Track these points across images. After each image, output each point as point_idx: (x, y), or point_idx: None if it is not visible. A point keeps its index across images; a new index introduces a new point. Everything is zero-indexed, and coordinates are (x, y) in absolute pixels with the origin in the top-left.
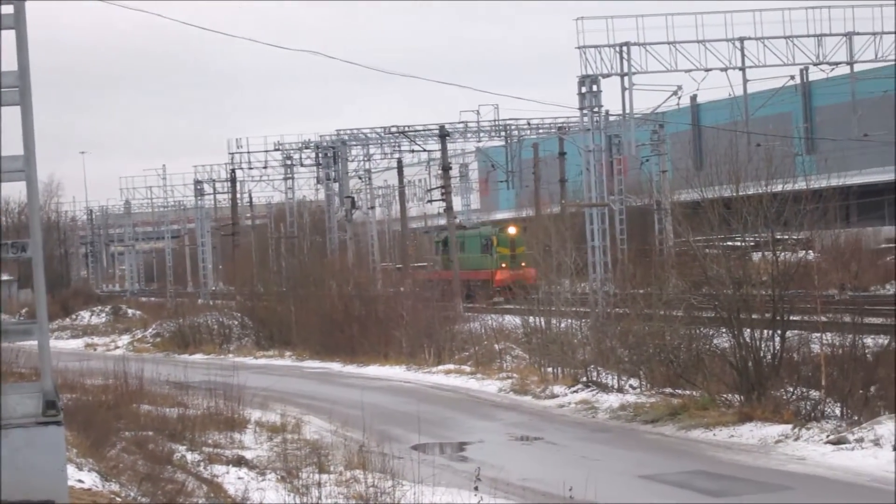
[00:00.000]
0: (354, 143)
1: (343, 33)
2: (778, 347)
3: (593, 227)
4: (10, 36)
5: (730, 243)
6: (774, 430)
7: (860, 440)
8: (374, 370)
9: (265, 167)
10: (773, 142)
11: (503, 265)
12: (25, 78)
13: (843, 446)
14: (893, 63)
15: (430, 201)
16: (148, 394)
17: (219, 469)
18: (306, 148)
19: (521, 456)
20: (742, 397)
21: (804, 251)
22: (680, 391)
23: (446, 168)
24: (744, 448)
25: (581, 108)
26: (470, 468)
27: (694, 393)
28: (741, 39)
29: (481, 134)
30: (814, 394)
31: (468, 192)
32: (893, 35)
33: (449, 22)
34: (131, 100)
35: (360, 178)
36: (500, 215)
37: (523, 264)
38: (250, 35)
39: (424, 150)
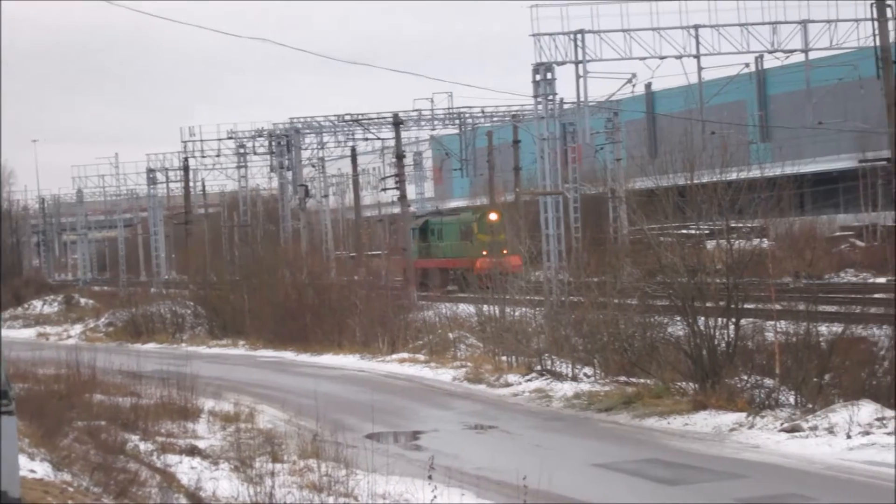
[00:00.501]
0: (308, 131)
1: (296, 21)
2: (732, 336)
3: (548, 215)
4: None
5: (684, 231)
6: (729, 418)
7: (814, 428)
8: (327, 359)
9: (218, 155)
10: (727, 130)
11: (485, 252)
12: None
13: (797, 434)
14: (848, 51)
15: (385, 189)
16: (101, 383)
17: (172, 458)
18: (259, 136)
19: (475, 445)
20: (696, 385)
21: (758, 239)
22: (634, 380)
23: (400, 156)
24: (698, 436)
25: (535, 96)
26: (424, 457)
27: (648, 381)
28: (696, 27)
29: (435, 122)
30: (768, 382)
31: (422, 180)
32: (848, 23)
33: (404, 10)
34: (83, 88)
35: (313, 166)
36: (454, 203)
37: (505, 251)
38: (202, 23)
39: (378, 139)
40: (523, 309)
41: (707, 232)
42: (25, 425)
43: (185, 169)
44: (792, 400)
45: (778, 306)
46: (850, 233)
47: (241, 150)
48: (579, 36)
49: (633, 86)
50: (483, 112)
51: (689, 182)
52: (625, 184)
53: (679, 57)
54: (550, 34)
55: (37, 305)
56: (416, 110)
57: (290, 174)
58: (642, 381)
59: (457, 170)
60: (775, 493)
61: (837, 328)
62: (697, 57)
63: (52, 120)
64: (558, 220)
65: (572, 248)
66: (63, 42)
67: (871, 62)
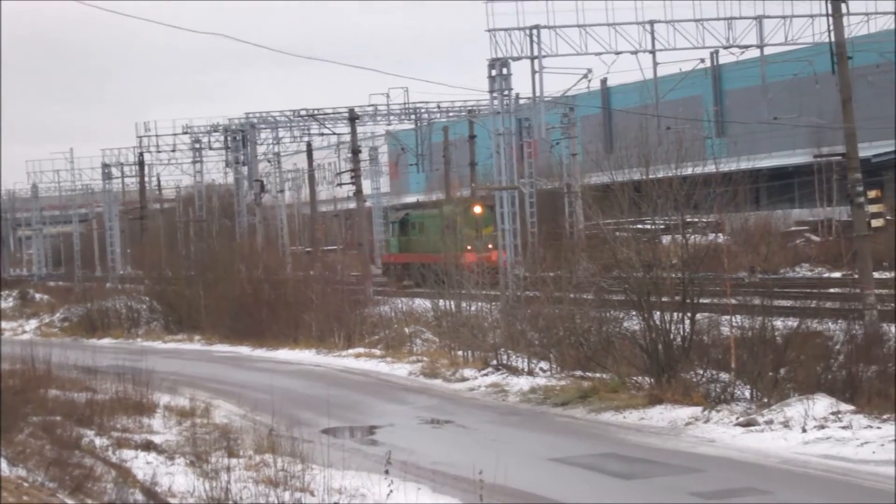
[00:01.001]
0: (264, 126)
1: (252, 17)
2: (688, 330)
3: (503, 210)
4: None
5: (640, 226)
6: (684, 412)
7: (770, 422)
8: (283, 354)
9: (174, 151)
10: (683, 125)
11: (468, 248)
12: None
13: (752, 428)
14: (803, 46)
15: (340, 185)
16: (56, 378)
17: (127, 454)
18: (215, 131)
19: (431, 439)
20: (652, 380)
21: (714, 234)
22: (590, 374)
23: (356, 151)
24: (654, 430)
25: (491, 92)
26: (380, 452)
27: (604, 376)
28: (651, 22)
29: (391, 117)
30: (724, 376)
31: (378, 175)
32: (803, 18)
33: (360, 5)
34: (36, 83)
35: (269, 161)
36: (410, 198)
37: (490, 246)
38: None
39: (334, 134)
40: (479, 303)
41: (662, 227)
42: None
43: (141, 164)
44: (747, 394)
45: (733, 301)
46: (806, 228)
47: (197, 146)
48: (535, 31)
49: (589, 81)
50: (439, 107)
51: (644, 177)
52: (580, 179)
53: (635, 52)
54: (506, 29)
55: None
56: (372, 105)
57: (245, 169)
58: (598, 375)
59: (413, 165)
60: (731, 486)
61: (793, 323)
62: (653, 52)
63: (6, 116)
64: (514, 215)
65: (528, 243)
66: (15, 36)
67: (825, 57)
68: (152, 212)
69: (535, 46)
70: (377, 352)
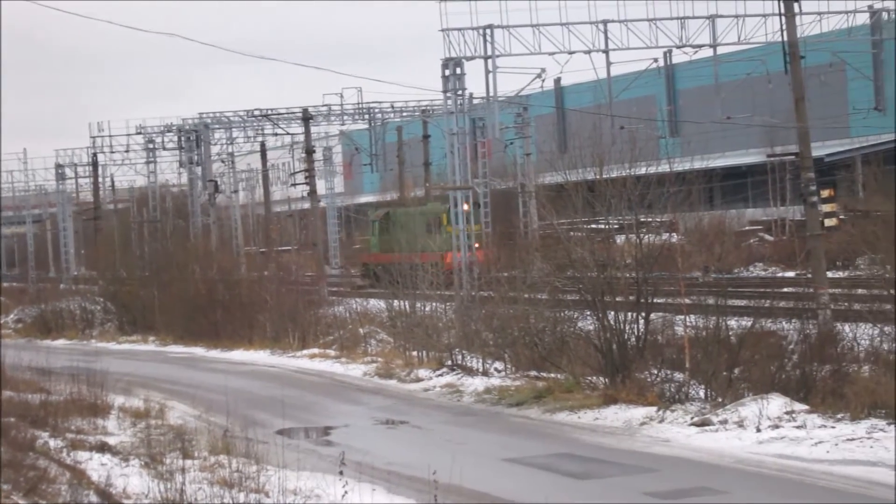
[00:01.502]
0: (217, 126)
1: (204, 16)
2: (642, 330)
3: (457, 210)
4: None
5: (594, 226)
6: (639, 412)
7: (724, 422)
8: (238, 355)
9: (127, 151)
10: (636, 124)
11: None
12: None
13: (707, 428)
14: (756, 46)
15: (294, 185)
16: (9, 380)
17: (82, 455)
18: (169, 131)
19: (386, 440)
20: (607, 380)
21: (668, 234)
22: (545, 374)
23: (310, 151)
24: (608, 430)
25: (445, 91)
26: (335, 452)
27: (559, 376)
28: (605, 22)
29: (345, 117)
30: (678, 376)
31: (332, 175)
32: (756, 18)
33: (313, 4)
34: None
35: (223, 161)
36: (364, 199)
37: (476, 245)
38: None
39: (288, 134)
40: (434, 304)
41: (616, 226)
42: None
43: (94, 164)
44: (702, 394)
45: (687, 300)
46: (759, 227)
47: (151, 146)
48: (488, 31)
49: (543, 81)
50: (393, 107)
51: (598, 177)
52: (534, 178)
53: (588, 52)
54: (459, 29)
55: None
56: (326, 105)
57: (199, 169)
58: (553, 375)
59: (367, 165)
60: (686, 486)
61: (747, 322)
62: (606, 52)
63: None
64: (468, 215)
65: (482, 243)
66: None
67: (778, 57)
68: (106, 212)
69: (489, 46)
70: (332, 352)
